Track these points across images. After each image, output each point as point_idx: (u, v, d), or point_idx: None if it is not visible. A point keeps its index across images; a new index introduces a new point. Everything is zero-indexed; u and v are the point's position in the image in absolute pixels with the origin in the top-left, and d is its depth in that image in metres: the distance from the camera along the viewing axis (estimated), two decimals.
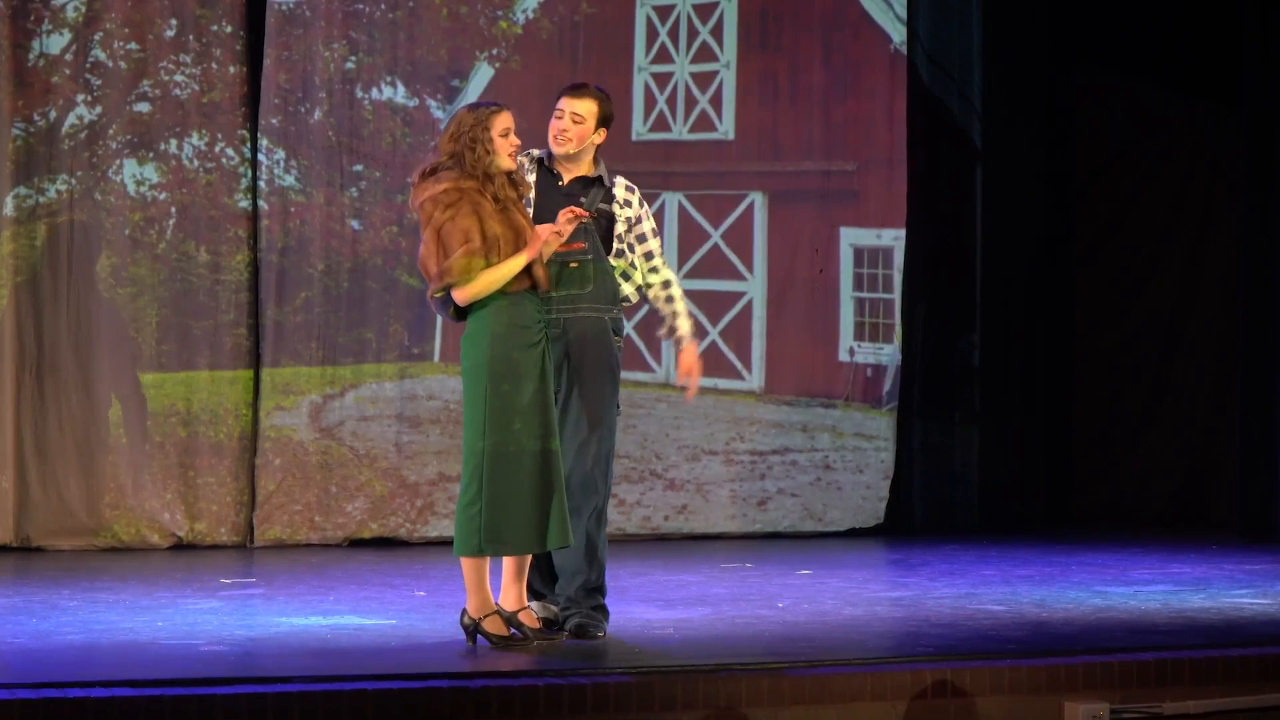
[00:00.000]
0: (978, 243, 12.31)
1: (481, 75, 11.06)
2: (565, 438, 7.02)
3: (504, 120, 6.88)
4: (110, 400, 10.38)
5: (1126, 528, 12.14)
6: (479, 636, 6.83)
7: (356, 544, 10.74)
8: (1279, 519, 11.67)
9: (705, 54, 11.63)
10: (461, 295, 6.77)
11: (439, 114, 10.93)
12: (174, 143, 10.52)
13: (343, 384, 10.82)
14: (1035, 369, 12.53)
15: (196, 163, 10.56)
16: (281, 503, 10.65)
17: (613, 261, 7.18)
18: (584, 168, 7.22)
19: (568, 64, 11.23)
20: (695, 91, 11.59)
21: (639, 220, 7.21)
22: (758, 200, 11.71)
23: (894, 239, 11.91)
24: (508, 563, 6.88)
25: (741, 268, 11.68)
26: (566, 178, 7.19)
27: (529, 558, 6.91)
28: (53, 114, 10.34)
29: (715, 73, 11.64)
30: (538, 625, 6.91)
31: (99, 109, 10.39)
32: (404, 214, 10.66)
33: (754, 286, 11.71)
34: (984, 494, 12.28)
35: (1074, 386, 12.90)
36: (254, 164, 10.65)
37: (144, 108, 10.47)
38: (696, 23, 11.61)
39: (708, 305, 11.61)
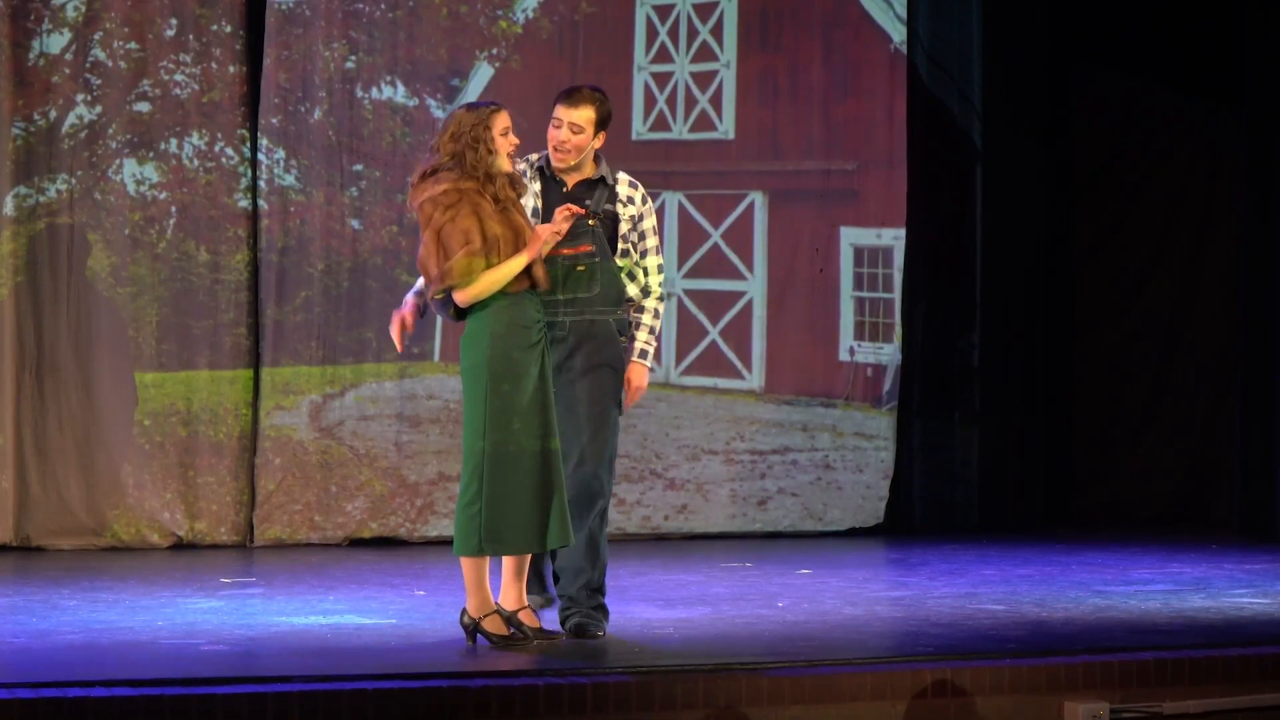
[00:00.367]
0: (978, 242, 12.31)
1: (481, 75, 11.06)
2: (568, 438, 7.02)
3: (504, 120, 6.88)
4: (112, 399, 10.38)
5: (1126, 527, 12.14)
6: (479, 636, 6.83)
7: (356, 543, 10.74)
8: (1279, 519, 11.67)
9: (705, 53, 11.63)
10: (462, 296, 6.77)
11: (439, 114, 10.93)
12: (174, 142, 10.52)
13: (343, 383, 10.82)
14: (1035, 369, 12.52)
15: (196, 162, 10.56)
16: (281, 502, 10.65)
17: (618, 262, 7.17)
18: (586, 170, 7.22)
19: (568, 63, 11.23)
20: (695, 91, 11.59)
21: (641, 218, 7.20)
22: (758, 200, 11.71)
23: (894, 239, 11.91)
24: (507, 562, 6.88)
25: (741, 267, 11.68)
26: (569, 182, 7.18)
27: (529, 557, 6.91)
28: (53, 113, 10.34)
29: (715, 72, 11.64)
30: (537, 625, 6.91)
31: (99, 108, 10.39)
32: (404, 213, 10.66)
33: (754, 286, 11.71)
34: (984, 494, 12.27)
35: (1074, 386, 12.90)
36: (254, 163, 10.65)
37: (144, 107, 10.47)
38: (696, 22, 11.61)
39: (707, 305, 11.61)
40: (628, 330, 7.22)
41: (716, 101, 11.62)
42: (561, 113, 7.13)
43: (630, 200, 7.17)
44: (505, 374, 6.75)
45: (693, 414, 11.56)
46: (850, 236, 11.86)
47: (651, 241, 7.21)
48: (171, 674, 6.06)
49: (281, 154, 10.71)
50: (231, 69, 10.62)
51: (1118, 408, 12.82)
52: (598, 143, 7.21)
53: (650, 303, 7.22)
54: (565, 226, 6.89)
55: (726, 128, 11.63)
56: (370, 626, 7.41)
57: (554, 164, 7.16)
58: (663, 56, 11.53)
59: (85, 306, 10.36)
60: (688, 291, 11.59)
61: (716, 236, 11.64)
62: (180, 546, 10.45)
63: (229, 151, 10.63)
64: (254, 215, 10.67)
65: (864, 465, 11.86)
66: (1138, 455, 12.71)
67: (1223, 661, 6.84)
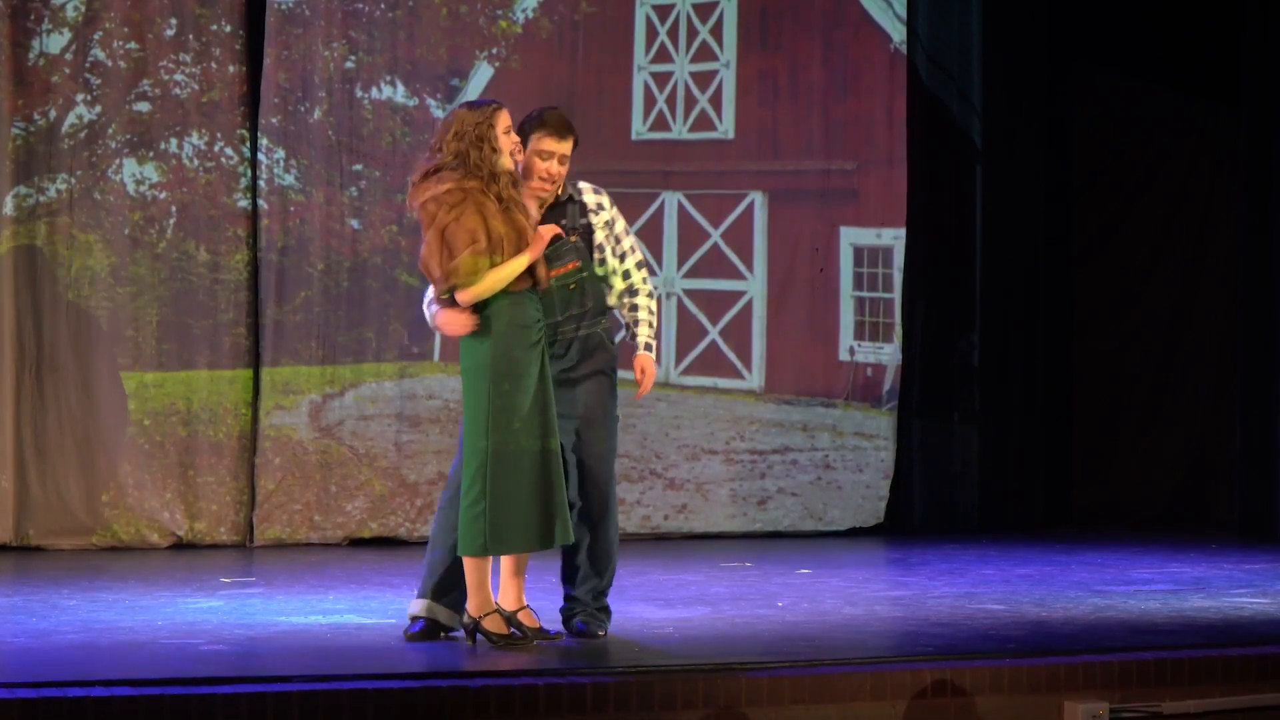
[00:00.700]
0: (977, 242, 12.31)
1: (481, 75, 11.06)
2: (570, 444, 7.03)
3: (505, 118, 6.88)
4: (112, 399, 10.38)
5: (1126, 527, 12.14)
6: (479, 635, 6.83)
7: (356, 543, 10.74)
8: (1278, 519, 11.67)
9: (705, 53, 11.63)
10: (466, 296, 6.77)
11: (439, 114, 10.93)
12: (174, 142, 10.52)
13: (342, 383, 10.82)
14: (1035, 368, 12.52)
15: (196, 162, 10.56)
16: (281, 502, 10.65)
17: (599, 270, 7.18)
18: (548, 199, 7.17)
19: (567, 63, 11.23)
20: (695, 91, 11.59)
21: (613, 222, 7.20)
22: (757, 199, 11.71)
23: (894, 238, 11.91)
24: (506, 561, 6.88)
25: (741, 267, 11.68)
26: (534, 211, 7.11)
27: (527, 556, 6.91)
28: (52, 113, 10.34)
29: (715, 72, 11.64)
30: (537, 625, 6.91)
31: (99, 108, 10.39)
32: (404, 213, 10.66)
33: (754, 286, 11.71)
34: (984, 493, 12.28)
35: (1074, 386, 12.90)
36: (254, 163, 10.65)
37: (144, 107, 10.47)
38: (696, 22, 11.61)
39: (707, 305, 11.61)
40: (612, 336, 7.23)
41: (716, 101, 11.62)
42: (552, 145, 7.05)
43: (600, 207, 7.17)
44: (506, 374, 6.75)
45: (693, 414, 11.56)
46: (850, 236, 11.87)
47: (628, 241, 7.21)
48: (171, 674, 6.05)
49: (281, 154, 10.71)
50: (231, 69, 10.62)
51: (1118, 408, 12.82)
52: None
53: (642, 300, 7.22)
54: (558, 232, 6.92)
55: (726, 127, 11.63)
56: (370, 626, 7.41)
57: (536, 193, 7.09)
58: (662, 56, 11.53)
59: (85, 306, 10.36)
60: (687, 291, 11.59)
61: (716, 236, 11.64)
62: (180, 546, 10.45)
63: (229, 151, 10.63)
64: (254, 215, 10.67)
65: (864, 465, 11.86)
66: (1137, 455, 12.71)
67: (1222, 661, 6.84)
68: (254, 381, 10.66)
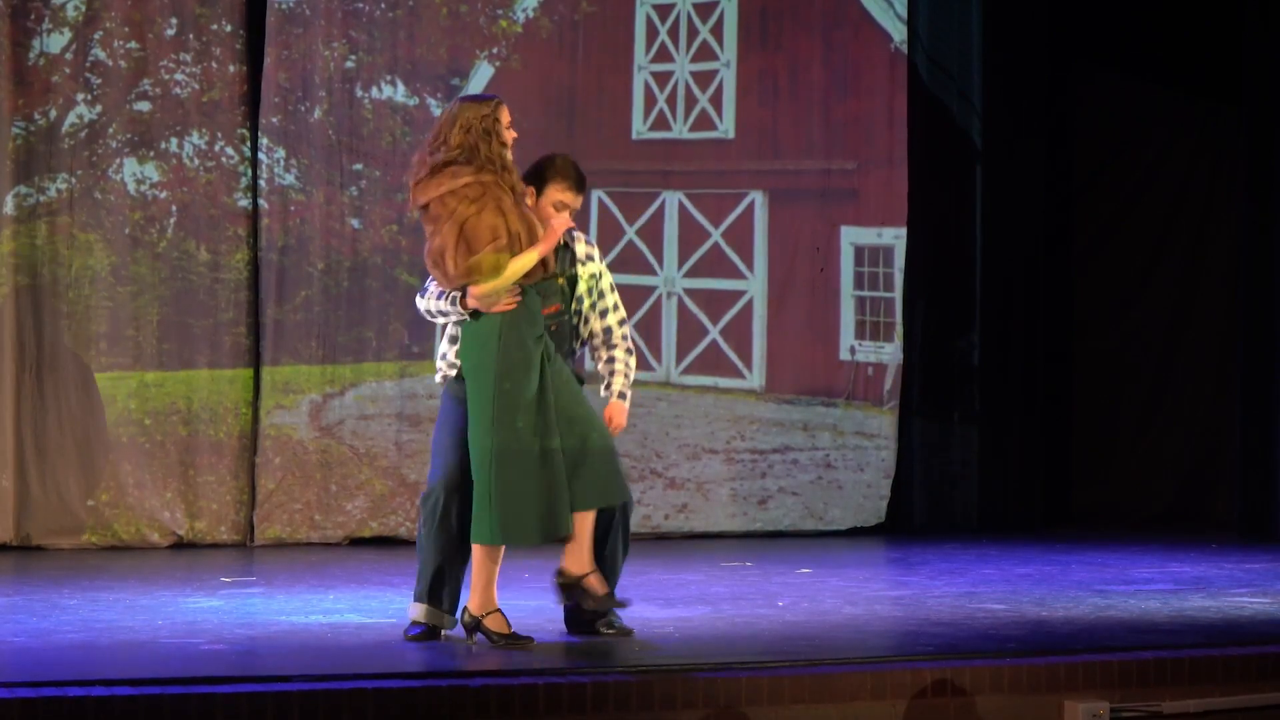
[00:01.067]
0: (978, 242, 12.31)
1: (481, 74, 11.06)
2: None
3: (507, 112, 6.88)
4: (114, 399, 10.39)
5: (1126, 527, 12.14)
6: (479, 634, 6.82)
7: (356, 543, 10.75)
8: (1278, 519, 11.67)
9: (705, 53, 11.63)
10: (479, 291, 6.73)
11: (439, 113, 10.91)
12: (174, 141, 10.53)
13: (343, 383, 10.82)
14: (1035, 368, 12.52)
15: (196, 161, 10.56)
16: (281, 501, 10.65)
17: (570, 320, 7.19)
18: None
19: (568, 63, 11.23)
20: (695, 90, 11.59)
21: (599, 276, 7.20)
22: (758, 199, 11.71)
23: (894, 238, 11.91)
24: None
25: (742, 266, 11.68)
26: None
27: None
28: (53, 113, 10.34)
29: (715, 71, 11.64)
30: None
31: (99, 108, 10.39)
32: (404, 213, 10.66)
33: (754, 285, 11.71)
34: (984, 493, 12.28)
35: (1074, 386, 12.90)
36: (254, 163, 10.65)
37: (144, 107, 10.47)
38: (696, 21, 11.61)
39: (708, 304, 11.61)
40: (580, 376, 7.21)
41: (716, 101, 11.62)
42: (571, 199, 7.07)
43: (589, 258, 7.18)
44: (508, 371, 6.75)
45: (693, 413, 11.56)
46: (850, 236, 11.87)
47: (610, 299, 7.22)
48: (171, 673, 6.05)
49: (281, 153, 10.71)
50: (231, 68, 10.62)
51: (1118, 407, 12.82)
52: None
53: (620, 354, 7.22)
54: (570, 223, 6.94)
55: (726, 127, 11.63)
56: (370, 626, 7.41)
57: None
58: (663, 56, 11.53)
59: (85, 306, 10.35)
60: (688, 291, 11.59)
61: (717, 236, 11.64)
62: (180, 546, 10.45)
63: (229, 151, 10.63)
64: (254, 214, 10.67)
65: (865, 464, 11.86)
66: (1137, 455, 12.71)
67: (1222, 661, 6.84)
68: (254, 381, 10.66)
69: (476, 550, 6.81)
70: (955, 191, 12.29)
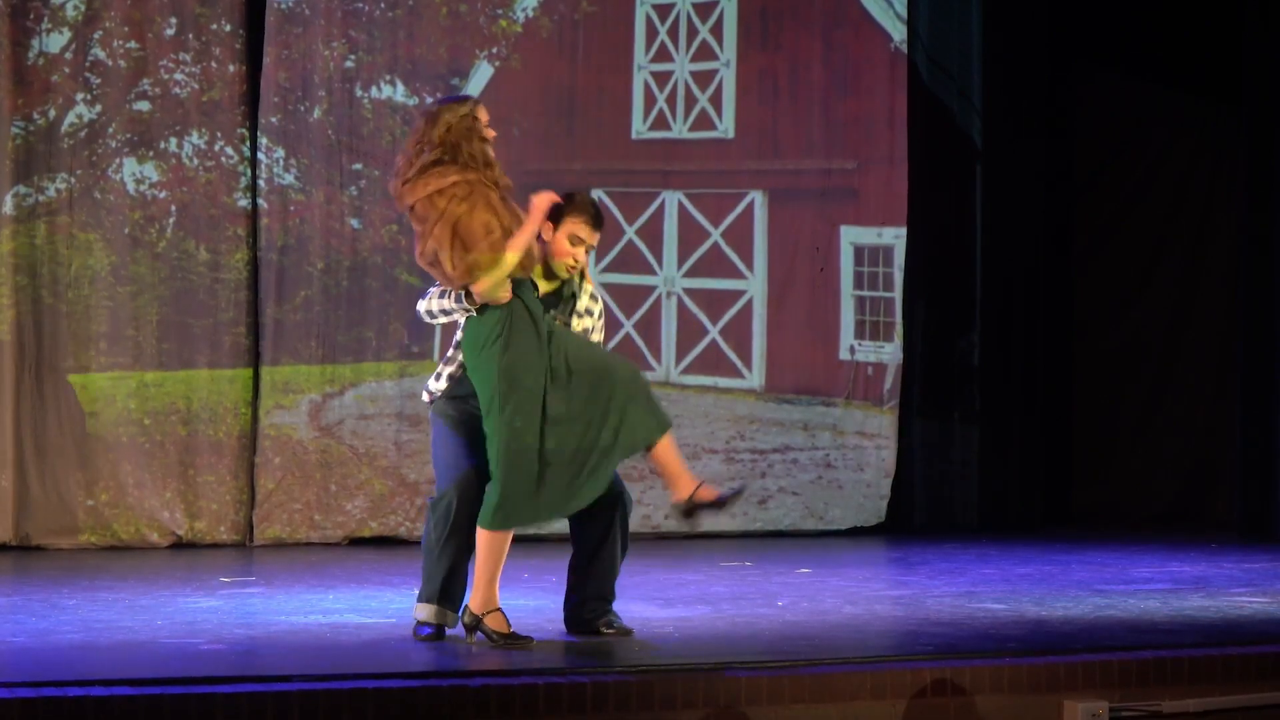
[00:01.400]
0: (978, 241, 12.31)
1: (481, 74, 11.06)
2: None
3: (485, 111, 6.88)
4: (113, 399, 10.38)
5: (1126, 527, 12.14)
6: (479, 633, 6.82)
7: (356, 543, 10.74)
8: (1279, 518, 11.67)
9: (705, 52, 11.63)
10: (481, 287, 6.74)
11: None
12: (174, 141, 10.52)
13: (342, 382, 10.81)
14: (1035, 368, 12.53)
15: (196, 161, 10.56)
16: (281, 501, 10.65)
17: None
18: (557, 283, 7.14)
19: (567, 62, 11.23)
20: (695, 90, 11.59)
21: (589, 331, 7.18)
22: (758, 199, 11.71)
23: (894, 237, 11.91)
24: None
25: (742, 266, 11.68)
26: (541, 286, 7.08)
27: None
28: (52, 113, 10.34)
29: (715, 71, 11.64)
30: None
31: (99, 107, 10.39)
32: (403, 213, 10.65)
33: (754, 285, 11.71)
34: (984, 493, 12.28)
35: (1074, 385, 12.90)
36: (253, 163, 10.65)
37: (144, 106, 10.47)
38: (696, 21, 11.61)
39: (707, 304, 11.61)
40: None
41: (716, 100, 11.62)
42: (587, 234, 7.04)
43: (587, 312, 7.15)
44: (505, 371, 6.74)
45: (693, 413, 11.55)
46: (850, 235, 11.87)
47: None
48: (171, 673, 6.05)
49: (281, 153, 10.71)
50: (231, 68, 10.62)
51: (1118, 407, 12.82)
52: None
53: None
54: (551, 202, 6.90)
55: (726, 127, 11.63)
56: (370, 626, 7.40)
57: (559, 274, 7.08)
58: (663, 55, 11.53)
59: (85, 306, 10.35)
60: (688, 290, 11.59)
61: (716, 235, 11.64)
62: (180, 545, 10.45)
63: (229, 150, 10.63)
64: (254, 214, 10.67)
65: (865, 464, 11.86)
66: (1138, 455, 12.71)
67: (1222, 660, 6.84)
68: (254, 381, 10.66)
69: (481, 542, 6.80)
70: (955, 191, 12.29)
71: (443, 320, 6.98)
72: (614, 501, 7.09)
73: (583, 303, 7.12)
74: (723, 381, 11.64)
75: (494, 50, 11.11)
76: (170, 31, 10.51)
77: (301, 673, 6.06)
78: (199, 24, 10.55)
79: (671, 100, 11.55)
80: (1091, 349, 12.87)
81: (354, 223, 10.83)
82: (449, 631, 6.99)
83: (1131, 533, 11.81)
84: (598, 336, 7.20)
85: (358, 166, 10.79)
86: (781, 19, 11.75)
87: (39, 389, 10.31)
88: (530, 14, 11.17)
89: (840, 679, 6.36)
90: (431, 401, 7.04)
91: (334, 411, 10.79)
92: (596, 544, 7.07)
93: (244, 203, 10.66)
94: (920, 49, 12.11)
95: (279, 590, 8.59)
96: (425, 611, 7.00)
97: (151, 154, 10.48)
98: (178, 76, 10.52)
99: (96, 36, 10.37)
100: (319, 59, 10.76)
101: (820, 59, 11.80)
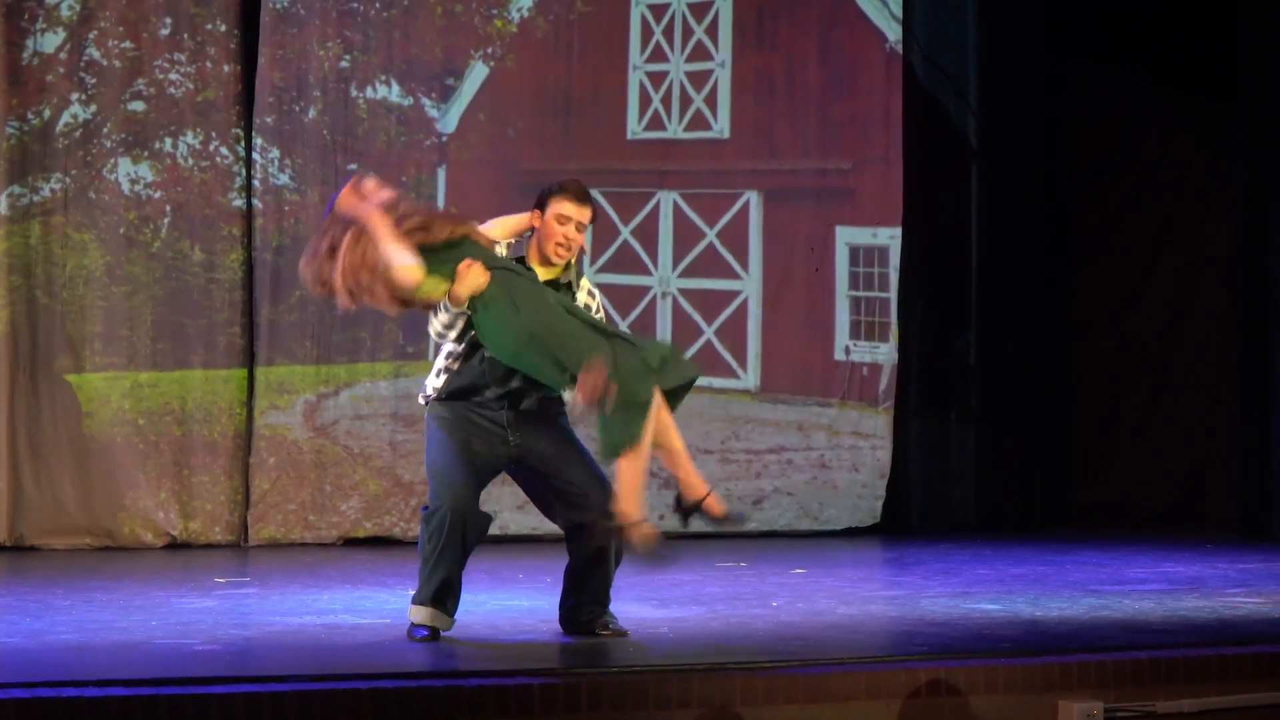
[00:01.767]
0: (974, 241, 12.31)
1: (476, 74, 11.05)
2: (563, 492, 7.06)
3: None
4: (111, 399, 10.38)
5: (1125, 527, 12.14)
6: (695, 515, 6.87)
7: (351, 543, 10.74)
8: (1276, 519, 11.67)
9: (700, 52, 11.62)
10: (440, 294, 6.75)
11: (433, 113, 10.93)
12: (168, 141, 10.52)
13: (337, 383, 10.81)
14: (1032, 368, 12.53)
15: (191, 161, 10.56)
16: (276, 502, 10.65)
17: None
18: (557, 270, 7.07)
19: (563, 62, 11.23)
20: (690, 90, 11.59)
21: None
22: (753, 199, 11.71)
23: (890, 238, 11.91)
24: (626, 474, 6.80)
25: (737, 266, 11.68)
26: (540, 274, 7.02)
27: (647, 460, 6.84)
28: (47, 112, 10.33)
29: (710, 71, 11.64)
30: (723, 511, 6.96)
31: (93, 107, 10.38)
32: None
33: (749, 285, 11.70)
34: (980, 493, 12.28)
35: (1071, 385, 12.91)
36: (248, 163, 10.65)
37: (138, 106, 10.47)
38: (691, 21, 11.61)
39: (702, 304, 11.61)
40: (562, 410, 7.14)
41: (711, 100, 11.61)
42: (572, 210, 6.91)
43: (586, 308, 7.08)
44: (527, 305, 6.78)
45: (688, 413, 11.48)
46: (846, 235, 11.86)
47: None
48: (166, 674, 6.04)
49: (276, 153, 10.70)
50: (226, 68, 10.61)
51: (1117, 407, 12.82)
52: None
53: None
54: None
55: (721, 127, 11.63)
56: (365, 626, 7.40)
57: (551, 259, 6.99)
58: (658, 55, 11.53)
59: (80, 306, 10.35)
60: (683, 291, 11.58)
61: (712, 236, 11.63)
62: (175, 546, 10.44)
63: (224, 150, 10.62)
64: (248, 214, 10.67)
65: (860, 464, 11.86)
66: (1136, 455, 12.72)
67: (1217, 661, 6.84)
68: (249, 381, 10.66)
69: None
70: (951, 191, 12.29)
71: (453, 334, 6.88)
72: (609, 510, 7.08)
73: (580, 298, 7.09)
74: (718, 382, 11.64)
75: (489, 50, 11.10)
76: (165, 31, 10.50)
77: (297, 673, 6.06)
78: (194, 24, 10.55)
79: (667, 100, 11.55)
80: (1089, 349, 12.87)
81: None
82: (448, 633, 6.99)
83: (1127, 533, 11.81)
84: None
85: (353, 167, 10.78)
86: (777, 19, 11.75)
87: (34, 389, 10.30)
88: (525, 14, 11.17)
89: (835, 679, 6.36)
90: (427, 403, 7.03)
91: (329, 412, 10.79)
92: (592, 553, 7.07)
93: (239, 203, 10.66)
94: (916, 48, 12.11)
95: (274, 591, 8.59)
96: (420, 614, 6.99)
97: (146, 154, 10.48)
98: (172, 76, 10.52)
99: (91, 36, 10.37)
100: (314, 59, 10.76)
101: (815, 59, 11.80)
